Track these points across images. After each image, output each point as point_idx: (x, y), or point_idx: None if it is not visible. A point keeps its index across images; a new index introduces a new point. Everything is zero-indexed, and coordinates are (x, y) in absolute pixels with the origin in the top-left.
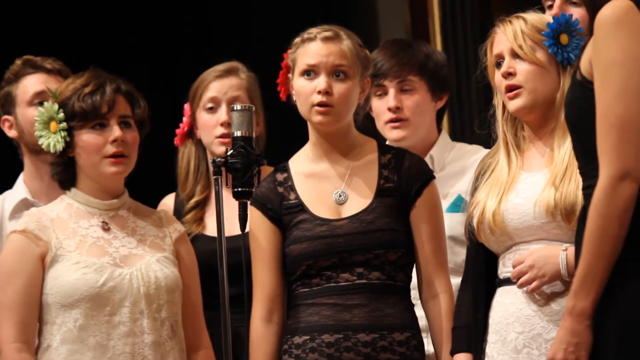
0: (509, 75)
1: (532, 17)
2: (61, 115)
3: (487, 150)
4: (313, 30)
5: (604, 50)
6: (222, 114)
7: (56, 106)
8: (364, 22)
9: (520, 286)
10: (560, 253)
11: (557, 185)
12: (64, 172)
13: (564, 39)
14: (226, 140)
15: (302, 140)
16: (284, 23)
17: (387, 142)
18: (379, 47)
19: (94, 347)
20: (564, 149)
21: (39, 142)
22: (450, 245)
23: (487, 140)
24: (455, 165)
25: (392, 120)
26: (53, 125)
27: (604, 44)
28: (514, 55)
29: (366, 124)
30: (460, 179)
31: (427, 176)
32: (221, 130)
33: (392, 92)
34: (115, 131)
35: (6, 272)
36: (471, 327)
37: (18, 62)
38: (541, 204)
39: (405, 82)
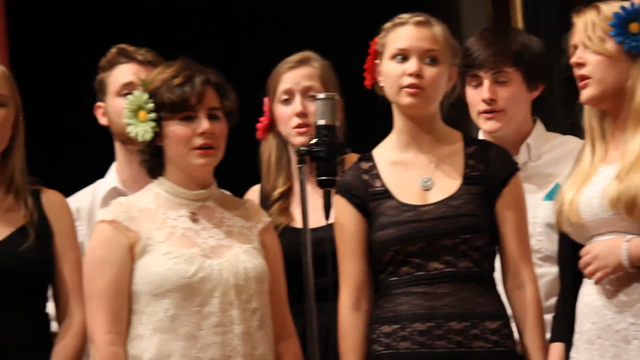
0: (578, 65)
1: (607, 6)
2: (150, 105)
3: (582, 141)
4: (404, 16)
5: None
6: (297, 104)
7: (146, 95)
8: (445, 11)
9: (588, 277)
10: (622, 244)
11: (622, 178)
12: (152, 161)
13: (633, 27)
14: (302, 130)
15: (382, 129)
16: (363, 14)
17: (480, 132)
18: (476, 35)
19: (184, 337)
20: (636, 140)
21: (128, 130)
22: (548, 233)
23: (574, 130)
24: (552, 154)
25: (486, 112)
26: (142, 114)
27: None
28: (585, 46)
29: (451, 115)
30: (557, 167)
31: (513, 166)
32: (297, 120)
33: (486, 83)
34: (204, 124)
35: (96, 261)
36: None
37: (113, 50)
38: (606, 197)
39: (501, 74)
